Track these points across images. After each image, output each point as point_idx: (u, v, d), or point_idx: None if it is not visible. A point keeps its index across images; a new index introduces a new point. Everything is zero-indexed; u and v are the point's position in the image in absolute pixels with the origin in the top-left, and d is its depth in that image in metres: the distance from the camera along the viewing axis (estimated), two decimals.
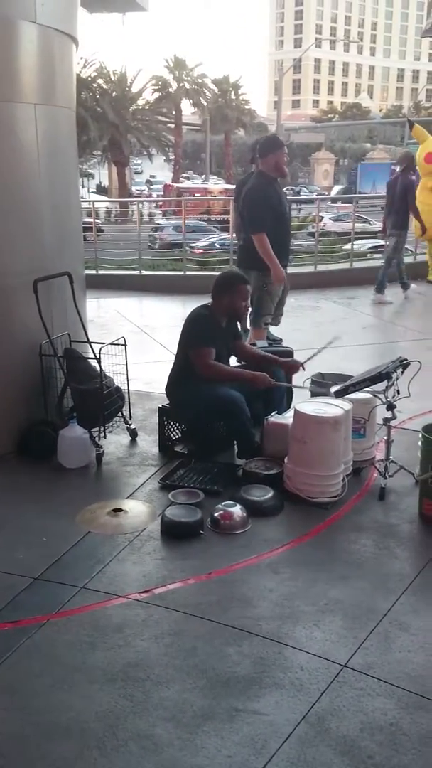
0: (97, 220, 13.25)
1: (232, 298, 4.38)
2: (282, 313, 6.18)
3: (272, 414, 4.31)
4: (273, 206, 5.68)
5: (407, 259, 12.11)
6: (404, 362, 3.99)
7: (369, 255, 13.53)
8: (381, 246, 11.93)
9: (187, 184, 40.64)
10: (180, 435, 4.59)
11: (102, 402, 4.33)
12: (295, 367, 4.61)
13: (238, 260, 6.16)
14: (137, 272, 11.45)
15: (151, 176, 58.57)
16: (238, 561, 3.30)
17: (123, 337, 4.57)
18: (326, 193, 43.39)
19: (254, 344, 5.17)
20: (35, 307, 4.30)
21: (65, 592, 3.06)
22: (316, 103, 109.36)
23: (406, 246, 10.32)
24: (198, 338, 4.30)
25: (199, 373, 4.25)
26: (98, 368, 4.40)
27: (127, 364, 4.60)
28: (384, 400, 3.91)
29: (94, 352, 4.50)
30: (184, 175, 52.74)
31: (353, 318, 8.77)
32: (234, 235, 9.29)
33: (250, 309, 4.64)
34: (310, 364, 4.66)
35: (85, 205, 13.36)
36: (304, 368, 4.60)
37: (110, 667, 2.61)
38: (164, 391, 4.57)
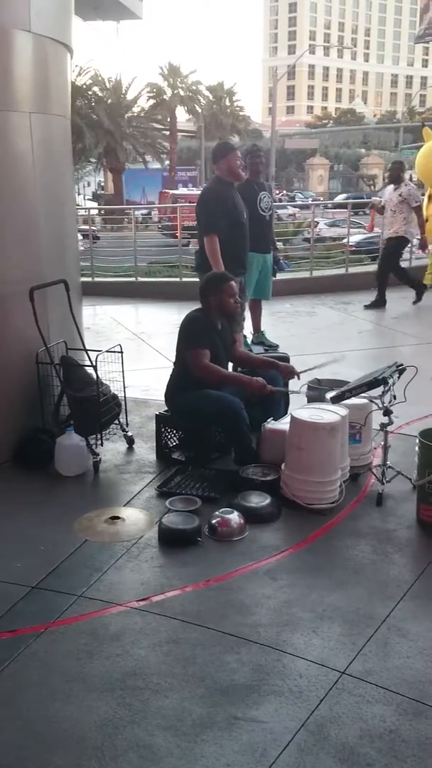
0: (93, 227, 13.26)
1: (219, 297, 4.38)
2: None
3: (269, 420, 4.31)
4: (228, 210, 5.52)
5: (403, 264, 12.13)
6: (400, 367, 4.00)
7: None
8: None
9: (182, 190, 40.69)
10: (177, 442, 4.58)
11: (99, 409, 4.33)
12: (292, 372, 4.61)
13: (196, 265, 6.03)
14: (133, 279, 11.46)
15: None
16: (236, 568, 3.30)
17: (119, 345, 4.57)
18: (321, 198, 43.52)
19: (250, 350, 5.17)
20: (31, 315, 4.30)
21: (63, 601, 3.05)
22: (310, 109, 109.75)
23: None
24: (192, 339, 4.31)
25: (194, 374, 4.25)
26: (95, 376, 4.40)
27: (123, 372, 4.60)
28: (380, 405, 3.91)
29: (90, 360, 4.50)
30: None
31: (349, 323, 8.78)
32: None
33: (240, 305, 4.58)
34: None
35: (80, 212, 13.38)
36: (299, 377, 4.61)
37: (108, 676, 2.60)
38: (162, 398, 4.57)
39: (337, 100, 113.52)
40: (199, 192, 8.49)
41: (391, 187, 9.50)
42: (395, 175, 9.52)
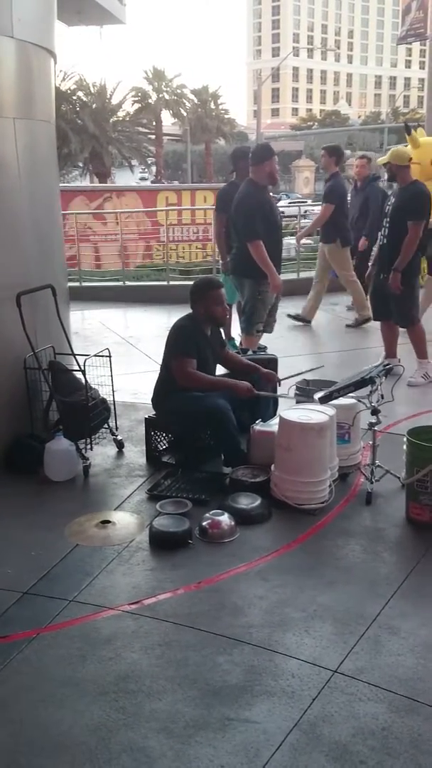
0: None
1: (207, 305, 4.40)
2: (275, 319, 6.21)
3: (258, 422, 4.32)
4: (266, 214, 5.65)
5: None
6: (387, 367, 4.03)
7: None
8: None
9: None
10: (167, 445, 4.59)
11: (88, 414, 4.33)
12: (273, 380, 4.63)
13: (231, 269, 6.11)
14: (121, 283, 11.45)
15: None
16: (227, 569, 3.30)
17: (107, 349, 4.57)
18: (307, 201, 43.58)
19: (239, 352, 5.18)
20: (19, 320, 4.29)
21: (55, 606, 3.05)
22: (295, 111, 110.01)
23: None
24: (177, 348, 4.32)
25: (178, 382, 4.26)
26: (83, 380, 4.40)
27: (112, 376, 4.60)
28: (368, 405, 3.94)
29: (78, 364, 4.50)
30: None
31: (336, 323, 8.80)
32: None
33: (229, 313, 4.63)
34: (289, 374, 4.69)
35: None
36: (279, 384, 4.63)
37: (101, 680, 2.60)
38: (150, 402, 4.57)
39: (321, 102, 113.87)
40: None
41: None
42: None
